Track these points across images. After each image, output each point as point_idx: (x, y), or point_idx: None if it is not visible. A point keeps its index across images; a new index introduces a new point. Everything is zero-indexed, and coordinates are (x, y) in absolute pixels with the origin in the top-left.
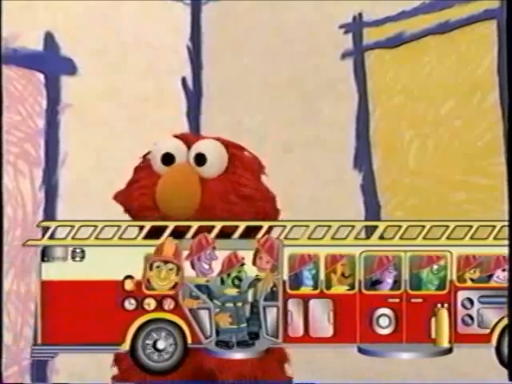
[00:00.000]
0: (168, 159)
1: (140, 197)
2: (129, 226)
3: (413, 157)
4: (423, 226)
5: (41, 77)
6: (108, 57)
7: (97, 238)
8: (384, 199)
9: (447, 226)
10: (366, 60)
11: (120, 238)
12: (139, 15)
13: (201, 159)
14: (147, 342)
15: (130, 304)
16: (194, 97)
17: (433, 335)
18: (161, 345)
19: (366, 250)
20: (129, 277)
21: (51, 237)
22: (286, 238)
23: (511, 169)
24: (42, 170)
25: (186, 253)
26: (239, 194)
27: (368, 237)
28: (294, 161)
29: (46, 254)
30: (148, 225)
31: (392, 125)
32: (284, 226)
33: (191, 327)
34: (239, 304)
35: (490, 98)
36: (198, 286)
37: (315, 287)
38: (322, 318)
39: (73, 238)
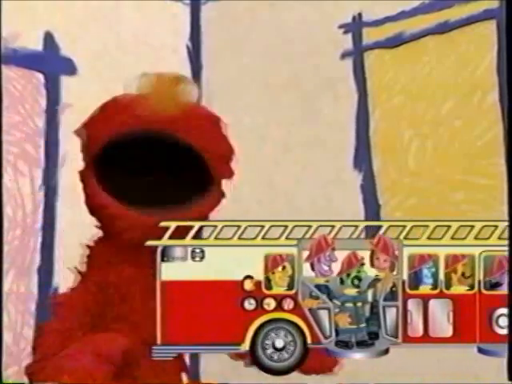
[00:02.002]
0: None
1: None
2: (248, 226)
3: (412, 157)
4: None
5: (40, 77)
6: (108, 57)
7: (216, 238)
8: (384, 199)
9: None
10: (365, 60)
11: (240, 238)
12: (139, 15)
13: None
14: (267, 341)
15: (249, 304)
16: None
17: None
18: (280, 344)
19: (486, 251)
20: (248, 277)
21: (170, 237)
22: (405, 237)
23: (511, 169)
24: (42, 170)
25: (305, 254)
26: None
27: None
28: (293, 161)
29: (165, 254)
30: (267, 225)
31: (392, 125)
32: (404, 226)
33: (311, 327)
34: (359, 304)
35: (490, 98)
36: (318, 286)
37: (434, 286)
38: (442, 317)
39: (192, 238)
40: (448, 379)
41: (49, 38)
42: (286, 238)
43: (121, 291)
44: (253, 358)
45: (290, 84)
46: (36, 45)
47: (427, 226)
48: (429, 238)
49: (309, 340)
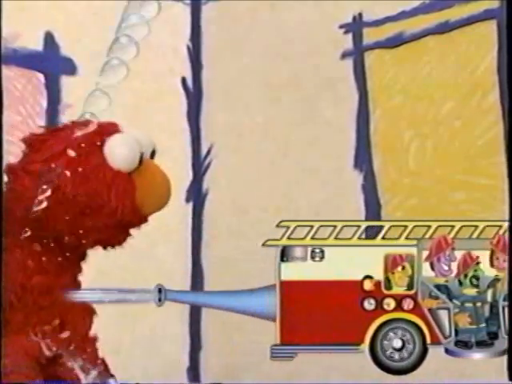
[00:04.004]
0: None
1: (118, 198)
2: (368, 226)
3: (413, 157)
4: None
5: (41, 77)
6: (108, 57)
7: (336, 238)
8: (384, 199)
9: None
10: (365, 60)
11: (359, 238)
12: (139, 15)
13: (153, 155)
14: (386, 341)
15: (369, 304)
16: (194, 97)
17: None
18: (398, 344)
19: None
20: (368, 277)
21: (290, 237)
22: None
23: (511, 169)
24: None
25: (425, 254)
26: None
27: None
28: (293, 161)
29: (285, 254)
30: (387, 225)
31: (392, 125)
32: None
33: (430, 327)
34: (478, 304)
35: (490, 98)
36: (438, 286)
37: None
38: None
39: (312, 238)
40: (448, 379)
41: (49, 38)
42: (406, 238)
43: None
44: (372, 358)
45: (290, 84)
46: (36, 45)
47: None
48: None
49: (428, 340)
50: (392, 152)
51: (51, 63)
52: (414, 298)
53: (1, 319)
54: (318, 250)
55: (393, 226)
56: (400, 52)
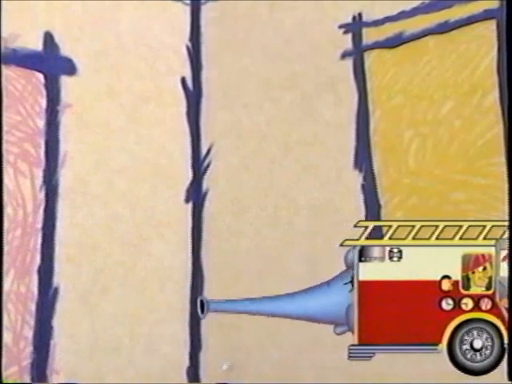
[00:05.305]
0: None
1: None
2: (446, 226)
3: (413, 157)
4: None
5: (40, 77)
6: (107, 57)
7: (414, 239)
8: (384, 199)
9: None
10: (365, 60)
11: (437, 239)
12: (139, 15)
13: None
14: (464, 341)
15: (447, 304)
16: (193, 97)
17: None
18: (477, 344)
19: None
20: (446, 277)
21: (368, 237)
22: None
23: (511, 169)
24: (42, 170)
25: (503, 254)
26: None
27: None
28: (293, 161)
29: (363, 254)
30: (465, 225)
31: (392, 125)
32: None
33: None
34: None
35: (490, 98)
36: None
37: None
38: None
39: (390, 239)
40: (448, 379)
41: (48, 38)
42: (484, 239)
43: None
44: (450, 358)
45: (290, 84)
46: (36, 45)
47: None
48: None
49: (506, 340)
50: (392, 152)
51: (51, 63)
52: (491, 298)
53: (1, 319)
54: (396, 250)
55: (470, 226)
56: (400, 52)
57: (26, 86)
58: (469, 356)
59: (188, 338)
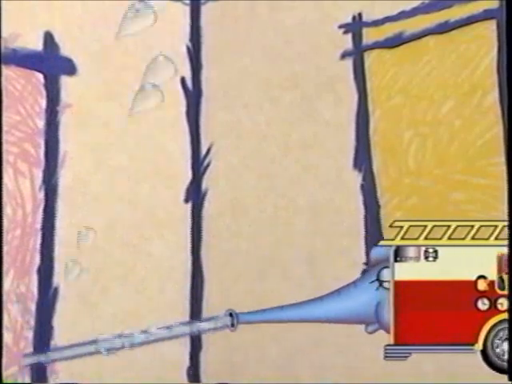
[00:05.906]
0: None
1: None
2: (481, 226)
3: (412, 157)
4: None
5: (40, 77)
6: (107, 57)
7: (450, 238)
8: (384, 199)
9: None
10: (365, 60)
11: (473, 238)
12: (139, 15)
13: None
14: (497, 341)
15: (483, 304)
16: (193, 97)
17: None
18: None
19: None
20: (482, 277)
21: (403, 237)
22: None
23: (511, 169)
24: (42, 170)
25: None
26: None
27: None
28: (293, 161)
29: (398, 254)
30: (500, 225)
31: (392, 125)
32: None
33: None
34: None
35: (490, 98)
36: None
37: None
38: None
39: (425, 238)
40: (448, 379)
41: (48, 38)
42: None
43: None
44: (484, 358)
45: (290, 84)
46: (36, 45)
47: None
48: None
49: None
50: (392, 152)
51: (51, 63)
52: None
53: (1, 319)
54: (431, 250)
55: (505, 226)
56: (400, 52)
57: (25, 85)
58: (502, 356)
59: (188, 338)
